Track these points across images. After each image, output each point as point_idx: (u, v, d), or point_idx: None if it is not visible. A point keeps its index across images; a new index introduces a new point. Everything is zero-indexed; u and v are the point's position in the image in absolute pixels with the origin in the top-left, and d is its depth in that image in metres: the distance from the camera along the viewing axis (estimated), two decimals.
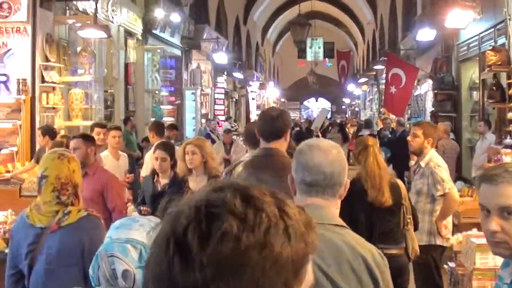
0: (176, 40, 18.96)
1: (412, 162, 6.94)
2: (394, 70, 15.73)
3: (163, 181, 5.93)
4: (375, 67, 27.48)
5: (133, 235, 2.29)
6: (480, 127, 11.56)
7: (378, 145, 6.08)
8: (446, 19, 12.50)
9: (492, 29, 11.66)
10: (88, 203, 4.67)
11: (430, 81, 17.74)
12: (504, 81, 10.81)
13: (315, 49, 49.61)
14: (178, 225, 1.06)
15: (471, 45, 13.55)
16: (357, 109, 46.64)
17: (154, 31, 16.39)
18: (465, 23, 10.95)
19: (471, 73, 14.60)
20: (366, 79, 34.81)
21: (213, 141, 13.56)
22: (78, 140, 5.87)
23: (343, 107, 55.61)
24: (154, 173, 6.09)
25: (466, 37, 13.80)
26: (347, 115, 48.97)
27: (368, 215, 5.02)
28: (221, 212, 1.05)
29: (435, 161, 5.98)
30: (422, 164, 6.01)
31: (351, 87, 42.22)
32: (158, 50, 16.50)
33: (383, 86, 30.08)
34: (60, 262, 3.41)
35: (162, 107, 18.04)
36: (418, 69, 15.90)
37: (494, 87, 10.52)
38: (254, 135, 4.67)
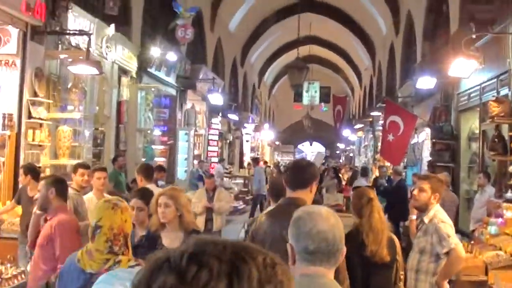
0: (171, 79, 18.69)
1: (412, 216, 6.49)
2: (392, 117, 15.43)
3: (140, 233, 5.42)
4: (372, 113, 27.24)
5: None
6: (480, 179, 11.20)
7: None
8: (448, 67, 12.27)
9: (495, 80, 11.39)
10: (38, 249, 4.94)
11: (428, 130, 17.43)
12: (506, 133, 10.49)
13: (311, 93, 49.68)
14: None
15: (471, 95, 13.28)
16: (351, 154, 46.39)
17: (149, 70, 16.12)
18: (468, 72, 10.66)
19: (470, 124, 14.31)
20: (362, 125, 34.58)
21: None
22: (41, 183, 5.64)
23: (337, 152, 55.50)
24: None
25: (467, 87, 13.54)
26: (341, 160, 48.75)
27: (365, 270, 4.84)
28: (165, 267, 1.10)
29: (439, 216, 5.58)
30: (426, 220, 5.60)
31: (346, 132, 42.01)
32: (153, 89, 16.19)
33: (379, 133, 29.93)
34: None
35: (153, 147, 17.66)
36: (416, 117, 15.60)
37: (496, 139, 10.19)
38: (278, 187, 5.05)
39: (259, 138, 42.65)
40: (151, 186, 7.84)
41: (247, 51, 34.28)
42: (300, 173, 4.27)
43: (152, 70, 16.33)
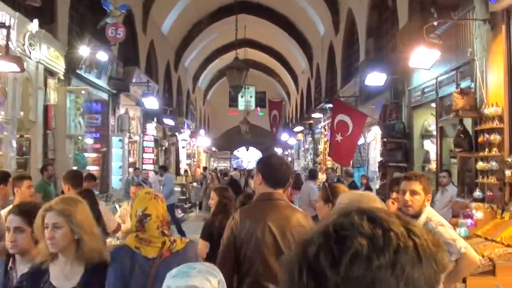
0: (102, 82, 17.38)
1: None
2: (341, 116, 14.61)
3: (21, 268, 3.85)
4: (313, 115, 26.47)
5: (192, 281, 2.34)
6: (444, 178, 10.46)
7: None
8: (399, 62, 11.56)
9: (454, 72, 10.67)
10: None
11: (376, 129, 16.75)
12: (470, 128, 9.77)
13: (246, 98, 49.30)
14: (309, 252, 1.07)
15: (426, 90, 12.57)
16: (290, 159, 45.74)
17: (78, 71, 14.81)
18: (429, 63, 9.87)
19: (423, 121, 13.63)
20: (302, 128, 33.89)
21: None
22: None
23: None
24: (8, 255, 3.99)
25: (420, 82, 12.83)
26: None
27: None
28: (350, 234, 1.05)
29: (435, 219, 4.68)
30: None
31: (284, 136, 41.28)
32: (83, 92, 14.79)
33: (319, 136, 29.33)
34: None
35: (86, 154, 16.30)
36: (366, 116, 14.79)
37: (461, 135, 9.40)
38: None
39: (195, 145, 41.47)
40: None
41: (181, 54, 33.19)
42: (282, 174, 4.33)
43: (81, 72, 15.03)
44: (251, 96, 50.84)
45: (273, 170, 4.33)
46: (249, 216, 4.24)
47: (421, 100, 12.97)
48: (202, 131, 42.83)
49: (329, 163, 24.60)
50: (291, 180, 4.52)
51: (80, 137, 14.47)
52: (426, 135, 13.59)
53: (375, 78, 14.00)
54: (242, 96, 49.07)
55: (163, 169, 17.99)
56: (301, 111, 38.69)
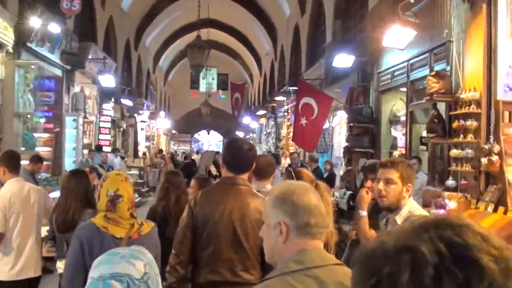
0: (55, 57, 16.36)
1: (362, 212, 5.03)
2: (306, 99, 13.94)
3: None
4: (276, 98, 25.80)
5: (116, 269, 2.21)
6: (414, 166, 9.90)
7: None
8: (370, 42, 10.96)
9: (427, 54, 10.09)
10: None
11: (342, 114, 16.19)
12: (444, 113, 9.21)
13: (208, 80, 48.58)
14: (424, 274, 0.90)
15: (396, 73, 12.01)
16: (251, 142, 45.07)
17: (29, 44, 13.83)
18: (404, 43, 9.29)
19: (391, 105, 13.09)
20: (264, 112, 33.22)
21: (99, 176, 11.08)
22: None
23: None
24: None
25: (390, 65, 12.26)
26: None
27: None
28: (472, 255, 0.91)
29: (419, 213, 4.04)
30: (399, 220, 4.00)
31: (246, 120, 40.56)
32: (33, 66, 13.76)
33: (282, 120, 28.71)
34: None
35: (36, 135, 15.32)
36: (332, 99, 14.16)
37: (435, 120, 8.81)
38: (260, 167, 5.04)
39: (155, 127, 40.53)
40: (16, 181, 5.98)
41: (141, 32, 32.17)
42: (244, 159, 4.30)
43: (32, 45, 14.05)
44: (213, 78, 50.07)
45: (235, 155, 4.31)
46: (208, 199, 4.23)
47: (391, 84, 12.42)
48: (162, 113, 41.87)
49: (292, 148, 24.03)
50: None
51: (29, 116, 13.49)
52: (394, 120, 13.06)
53: (343, 60, 13.37)
54: (203, 78, 48.29)
55: (113, 151, 16.88)
56: (264, 95, 38.06)
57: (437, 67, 9.50)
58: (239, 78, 49.22)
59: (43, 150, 17.46)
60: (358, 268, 1.01)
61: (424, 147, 11.12)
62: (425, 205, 8.74)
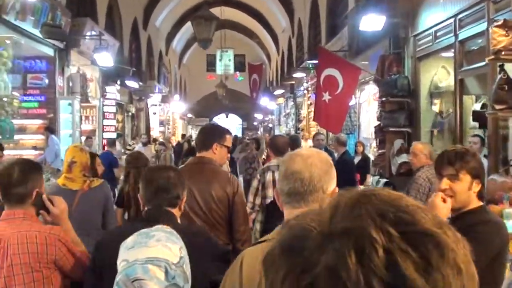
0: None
1: None
2: (328, 71, 11.73)
3: None
4: (294, 75, 23.67)
5: (153, 253, 2.15)
6: (475, 145, 7.78)
7: None
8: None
9: (483, 4, 7.93)
10: None
11: (370, 88, 14.09)
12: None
13: (225, 62, 47.33)
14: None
15: (438, 33, 9.84)
16: (270, 125, 43.10)
17: (5, 17, 11.85)
18: None
19: (432, 75, 10.92)
20: (282, 91, 31.13)
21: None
22: None
23: (255, 123, 52.30)
24: None
25: (430, 24, 10.10)
26: (258, 132, 45.62)
27: None
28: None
29: None
30: None
31: (264, 101, 38.55)
32: (8, 41, 11.64)
33: (302, 99, 26.63)
34: (91, 212, 5.27)
35: (17, 121, 13.23)
36: (360, 69, 11.90)
37: (504, 86, 6.66)
38: (277, 145, 6.78)
39: (169, 111, 38.60)
40: None
41: (150, 12, 30.20)
42: (203, 137, 4.91)
43: (10, 18, 12.10)
44: (229, 60, 48.56)
45: (198, 135, 5.14)
46: None
47: (431, 48, 10.24)
48: (176, 96, 39.89)
49: (314, 130, 21.97)
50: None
51: (5, 99, 11.48)
52: (435, 93, 10.90)
53: (372, 22, 11.23)
54: (220, 60, 47.08)
55: (48, 130, 14.69)
56: (282, 73, 36.00)
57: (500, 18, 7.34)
58: (256, 59, 47.63)
59: (36, 138, 15.71)
60: (277, 270, 0.81)
61: (476, 124, 8.99)
62: (490, 200, 6.65)
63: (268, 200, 6.35)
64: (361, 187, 8.24)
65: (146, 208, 3.17)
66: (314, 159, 2.28)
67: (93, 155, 6.56)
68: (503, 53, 6.48)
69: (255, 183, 6.58)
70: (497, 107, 6.68)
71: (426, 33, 10.34)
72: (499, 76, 6.72)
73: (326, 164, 2.30)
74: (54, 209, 3.34)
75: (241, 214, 4.71)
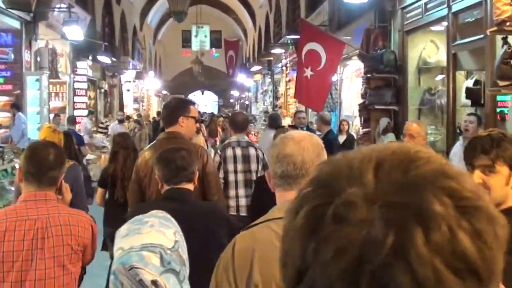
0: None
1: None
2: (311, 45, 11.10)
3: None
4: (272, 51, 22.95)
5: (147, 239, 2.13)
6: (471, 125, 7.18)
7: None
8: None
9: None
10: None
11: (353, 64, 13.51)
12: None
13: (201, 38, 46.81)
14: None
15: (429, 5, 9.24)
16: (247, 102, 42.46)
17: None
18: None
19: (420, 49, 10.34)
20: (260, 68, 30.42)
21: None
22: None
23: (232, 100, 51.72)
24: None
25: None
26: (235, 109, 45.03)
27: None
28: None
29: None
30: None
31: (241, 77, 37.84)
32: None
33: (280, 75, 25.98)
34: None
35: None
36: (344, 43, 11.28)
37: (509, 60, 6.07)
38: (236, 122, 6.79)
39: (144, 87, 37.70)
40: None
41: None
42: (168, 112, 4.97)
43: None
44: (205, 36, 47.98)
45: (163, 110, 5.38)
46: (150, 153, 4.66)
47: (421, 21, 9.64)
48: (151, 73, 38.96)
49: (292, 107, 21.41)
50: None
51: None
52: (424, 68, 10.33)
53: None
54: (196, 36, 46.49)
55: (15, 107, 13.84)
56: (260, 50, 35.25)
57: None
58: (233, 35, 46.97)
59: (2, 116, 14.93)
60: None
61: (468, 102, 8.43)
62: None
63: (231, 176, 6.38)
64: None
65: (166, 188, 3.67)
66: (306, 142, 2.32)
67: (67, 134, 6.50)
68: (507, 24, 5.90)
69: (216, 158, 6.55)
70: (501, 83, 6.09)
71: (416, 5, 9.73)
72: (503, 50, 6.13)
73: (318, 148, 2.35)
74: (67, 196, 3.48)
75: (213, 184, 4.74)
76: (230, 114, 23.25)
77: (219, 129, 21.62)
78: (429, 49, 10.19)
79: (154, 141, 5.03)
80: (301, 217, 0.73)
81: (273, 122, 10.48)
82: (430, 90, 10.16)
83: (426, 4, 9.26)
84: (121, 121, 19.30)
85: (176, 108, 4.88)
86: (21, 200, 3.27)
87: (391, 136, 10.27)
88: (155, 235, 2.14)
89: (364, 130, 11.24)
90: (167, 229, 2.21)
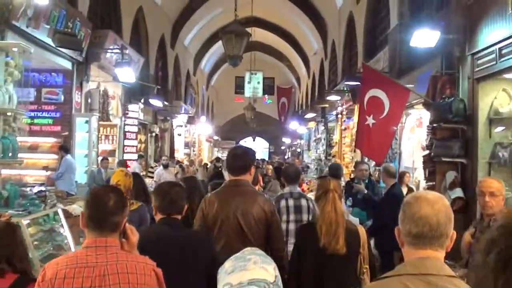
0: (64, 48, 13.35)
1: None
2: (373, 91, 10.41)
3: None
4: (328, 98, 22.30)
5: (253, 275, 2.36)
6: None
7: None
8: (460, 14, 7.61)
9: None
10: None
11: (417, 113, 12.76)
12: None
13: (254, 84, 46.86)
14: None
15: (504, 50, 8.48)
16: (299, 149, 41.79)
17: (15, 23, 10.80)
18: None
19: (492, 98, 9.52)
20: (313, 115, 29.82)
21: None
22: None
23: (283, 147, 51.19)
24: None
25: (492, 41, 8.75)
26: (286, 157, 44.36)
27: (318, 261, 4.92)
28: None
29: None
30: None
31: (293, 125, 37.27)
32: (15, 49, 10.41)
33: (335, 123, 25.26)
34: None
35: (22, 138, 11.82)
36: (409, 91, 10.58)
37: None
38: (289, 174, 7.10)
39: (195, 132, 37.48)
40: None
41: (178, 29, 29.28)
42: (242, 162, 5.04)
43: (21, 25, 11.03)
44: (258, 82, 48.13)
45: (229, 160, 5.16)
46: (217, 199, 4.92)
47: (494, 68, 8.86)
48: (203, 118, 38.78)
49: (348, 156, 20.61)
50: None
51: (9, 113, 10.30)
52: (495, 119, 9.49)
53: (425, 38, 9.91)
54: (249, 82, 46.72)
55: (63, 149, 13.39)
56: (312, 97, 34.74)
57: None
58: (286, 82, 46.90)
59: (49, 158, 14.62)
60: None
61: None
62: None
63: (283, 226, 6.26)
64: None
65: (160, 216, 4.19)
66: (440, 205, 2.37)
67: (136, 175, 6.98)
68: None
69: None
70: None
71: (488, 50, 8.96)
72: None
73: (449, 210, 2.40)
74: (133, 238, 3.34)
75: (280, 232, 5.07)
76: (278, 162, 22.63)
77: (259, 177, 20.97)
78: (501, 98, 9.38)
79: (221, 187, 5.15)
80: (493, 257, 0.76)
81: (335, 172, 9.76)
82: (503, 143, 9.31)
83: (500, 50, 8.50)
84: (165, 166, 18.82)
85: (248, 156, 5.08)
86: (83, 247, 3.23)
87: (458, 191, 9.47)
88: (259, 271, 2.38)
89: (429, 183, 10.40)
90: (269, 265, 2.46)
